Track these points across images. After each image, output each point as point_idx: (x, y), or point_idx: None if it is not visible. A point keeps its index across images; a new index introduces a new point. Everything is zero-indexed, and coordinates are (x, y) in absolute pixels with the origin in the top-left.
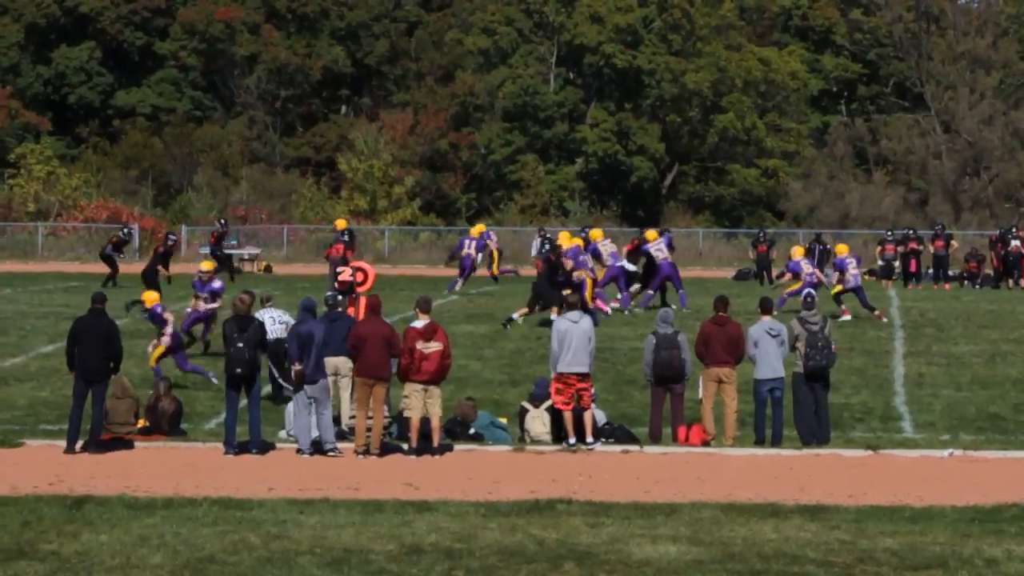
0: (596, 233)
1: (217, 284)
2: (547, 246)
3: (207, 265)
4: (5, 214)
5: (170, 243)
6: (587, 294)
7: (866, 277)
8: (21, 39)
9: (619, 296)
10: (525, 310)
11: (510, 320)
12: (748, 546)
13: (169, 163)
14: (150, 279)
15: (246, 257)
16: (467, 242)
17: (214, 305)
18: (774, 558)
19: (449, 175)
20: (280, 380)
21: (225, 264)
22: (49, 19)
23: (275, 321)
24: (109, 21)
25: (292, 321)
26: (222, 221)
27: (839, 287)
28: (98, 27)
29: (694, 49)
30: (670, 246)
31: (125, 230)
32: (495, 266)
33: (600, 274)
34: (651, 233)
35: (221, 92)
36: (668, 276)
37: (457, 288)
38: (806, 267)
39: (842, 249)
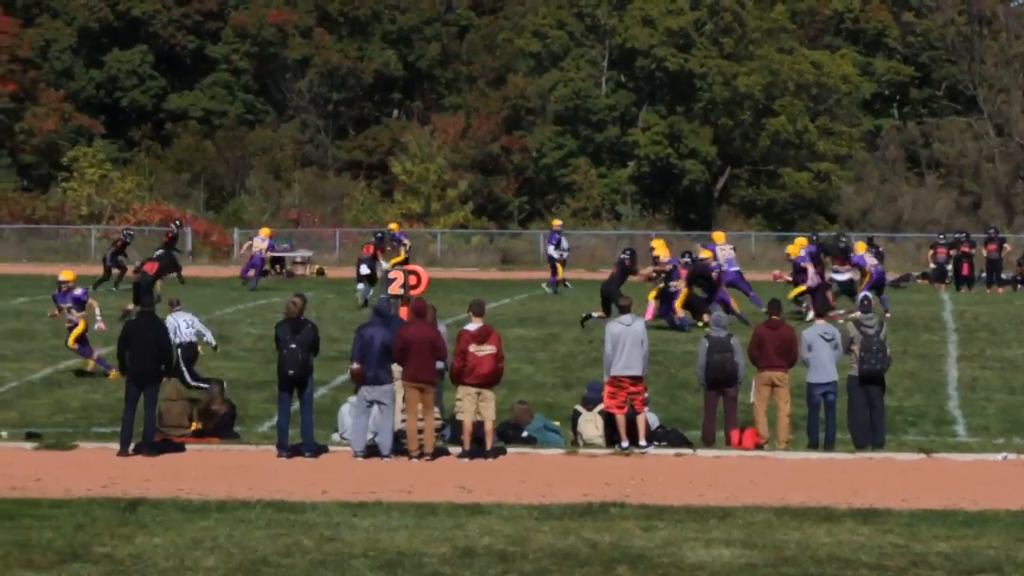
0: (719, 236)
1: (79, 291)
2: (627, 252)
3: (66, 275)
4: (58, 217)
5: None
6: (677, 303)
7: (920, 281)
8: (74, 43)
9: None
10: (603, 312)
11: (588, 316)
12: (801, 550)
13: (221, 166)
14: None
15: (298, 260)
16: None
17: (81, 314)
18: (827, 562)
19: (501, 178)
20: (190, 382)
21: (174, 267)
22: (102, 23)
23: (188, 325)
24: (161, 24)
25: (203, 327)
26: (176, 222)
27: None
28: (150, 31)
29: (746, 52)
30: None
31: (127, 233)
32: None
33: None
34: (719, 235)
35: (273, 95)
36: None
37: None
38: (870, 259)
39: (860, 247)
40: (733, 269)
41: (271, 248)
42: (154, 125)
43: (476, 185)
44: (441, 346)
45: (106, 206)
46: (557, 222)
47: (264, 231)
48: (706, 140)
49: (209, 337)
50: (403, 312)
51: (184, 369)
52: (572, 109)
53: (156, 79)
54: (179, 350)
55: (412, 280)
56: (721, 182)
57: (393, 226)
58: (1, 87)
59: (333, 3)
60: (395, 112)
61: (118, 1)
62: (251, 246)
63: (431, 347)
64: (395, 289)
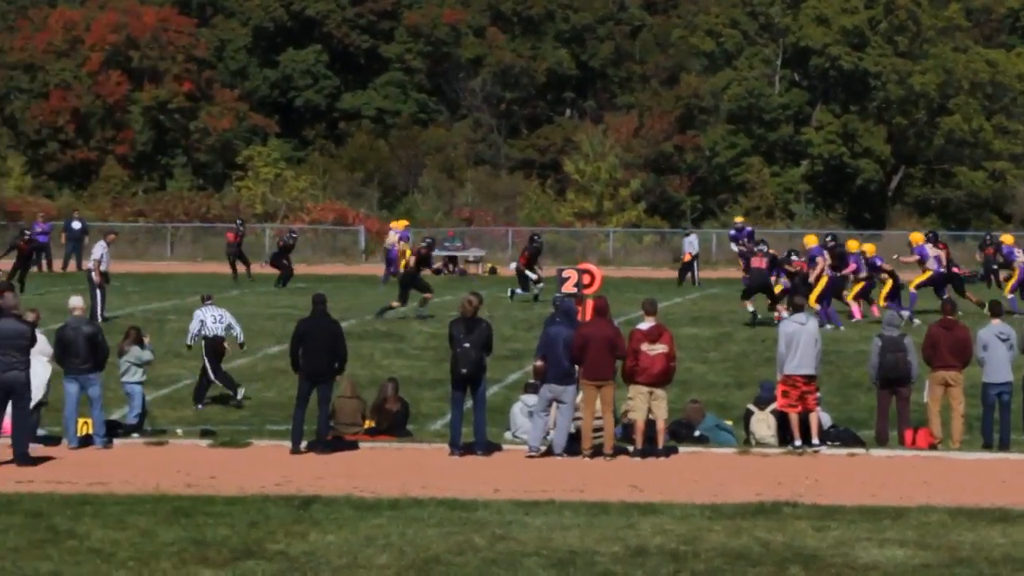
0: (916, 237)
1: None
2: (763, 246)
3: None
4: (233, 216)
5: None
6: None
7: None
8: (249, 42)
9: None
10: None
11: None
12: (976, 551)
13: (394, 165)
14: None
15: (471, 259)
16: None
17: None
18: (1002, 563)
19: (674, 177)
20: (213, 378)
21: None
22: (276, 22)
23: (216, 320)
24: (335, 24)
25: (233, 322)
26: (238, 221)
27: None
28: (324, 30)
29: (920, 51)
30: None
31: (292, 235)
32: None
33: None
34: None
35: (446, 95)
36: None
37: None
38: (1020, 256)
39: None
40: (940, 269)
41: (404, 239)
42: (328, 124)
43: (648, 184)
44: (620, 345)
45: (280, 205)
46: (740, 219)
47: (398, 224)
48: (880, 139)
49: (239, 332)
50: (579, 311)
51: (207, 364)
52: (745, 108)
53: (330, 78)
54: (204, 344)
55: (586, 279)
56: (895, 181)
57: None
58: (177, 87)
59: (506, 2)
60: (568, 111)
61: (292, 1)
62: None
63: (610, 345)
64: (568, 288)
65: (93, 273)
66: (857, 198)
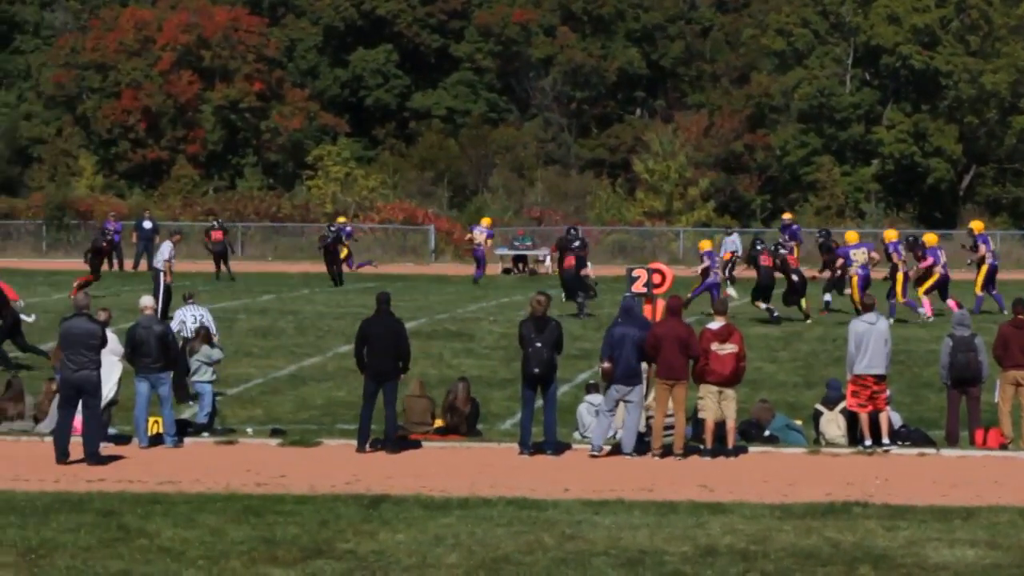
0: (978, 224)
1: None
2: (770, 245)
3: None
4: (303, 215)
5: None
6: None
7: None
8: (319, 42)
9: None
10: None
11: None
12: None
13: (465, 164)
14: None
15: (540, 259)
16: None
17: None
18: None
19: (744, 177)
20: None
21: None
22: (347, 22)
23: (195, 320)
24: (405, 23)
25: (211, 323)
26: (329, 225)
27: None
28: (395, 30)
29: (992, 50)
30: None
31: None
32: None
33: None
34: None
35: (517, 94)
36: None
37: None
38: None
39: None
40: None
41: (490, 237)
42: (398, 124)
43: (719, 183)
44: (693, 344)
45: (350, 204)
46: (788, 215)
47: (484, 221)
48: (951, 138)
49: (215, 330)
50: (646, 310)
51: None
52: (816, 107)
53: (400, 78)
54: (182, 342)
55: (656, 279)
56: (966, 180)
57: (341, 219)
58: (248, 86)
59: (577, 2)
60: (638, 110)
61: (363, 0)
62: (472, 238)
63: (683, 345)
64: (638, 287)
65: (164, 273)
66: (928, 197)
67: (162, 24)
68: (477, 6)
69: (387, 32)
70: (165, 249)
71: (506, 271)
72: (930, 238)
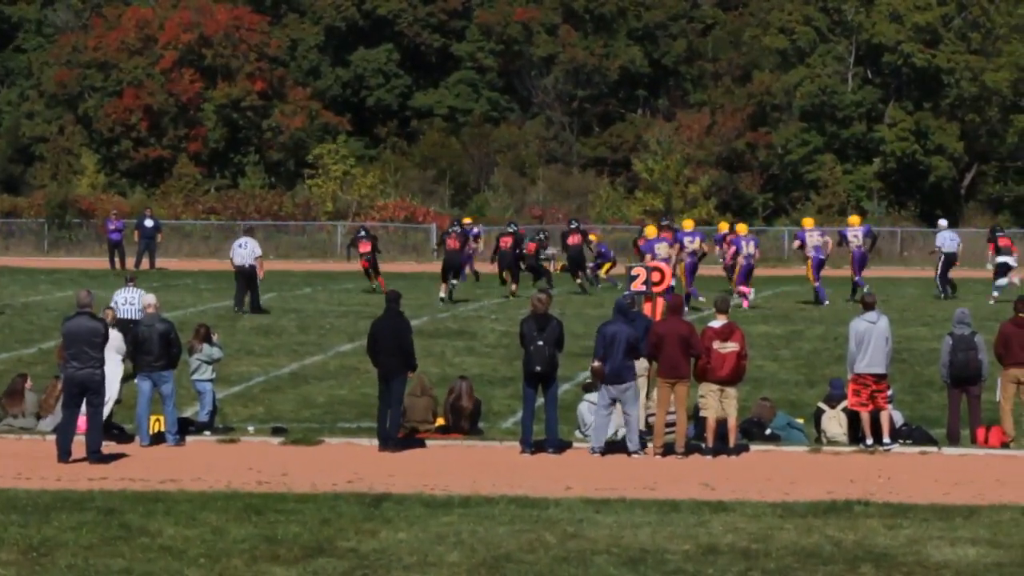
0: (808, 221)
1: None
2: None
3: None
4: (304, 214)
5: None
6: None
7: None
8: (320, 41)
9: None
10: None
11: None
12: None
13: (466, 163)
14: None
15: (542, 257)
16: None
17: None
18: None
19: (746, 175)
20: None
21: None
22: (348, 22)
23: (126, 302)
24: (407, 23)
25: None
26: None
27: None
28: (396, 29)
29: (993, 48)
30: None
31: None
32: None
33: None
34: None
35: (518, 92)
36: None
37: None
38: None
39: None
40: (819, 257)
41: (476, 237)
42: (400, 123)
43: (720, 182)
44: (695, 342)
45: (351, 202)
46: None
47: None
48: (953, 136)
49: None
50: (646, 308)
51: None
52: (818, 105)
53: (401, 77)
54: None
55: (656, 277)
56: (968, 179)
57: (467, 220)
58: (249, 85)
59: (578, 0)
60: (640, 109)
61: (364, 0)
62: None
63: (685, 343)
64: (637, 286)
65: (258, 268)
66: (930, 195)
67: (164, 23)
68: (478, 5)
69: (388, 32)
70: (256, 247)
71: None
72: (730, 227)
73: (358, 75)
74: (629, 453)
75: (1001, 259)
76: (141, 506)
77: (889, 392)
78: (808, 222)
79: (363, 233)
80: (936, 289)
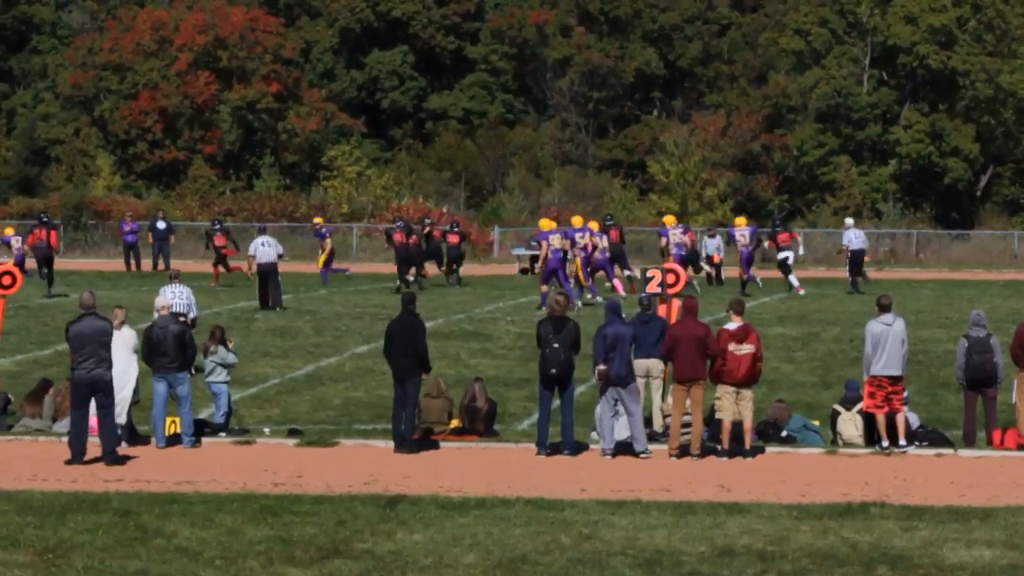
0: (670, 219)
1: None
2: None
3: None
4: (320, 215)
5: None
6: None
7: None
8: (335, 44)
9: None
10: None
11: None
12: None
13: (482, 165)
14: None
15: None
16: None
17: None
18: None
19: (761, 177)
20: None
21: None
22: (363, 24)
23: (174, 296)
24: (421, 26)
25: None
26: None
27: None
28: (410, 32)
29: (1009, 50)
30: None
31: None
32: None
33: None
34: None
35: (534, 94)
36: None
37: None
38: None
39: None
40: (681, 253)
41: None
42: (415, 125)
43: (736, 184)
44: (711, 343)
45: (366, 204)
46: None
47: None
48: (968, 138)
49: (195, 312)
50: (661, 310)
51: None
52: (833, 107)
53: (416, 80)
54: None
55: (670, 279)
56: (984, 180)
57: (318, 220)
58: (265, 87)
59: (593, 2)
60: (655, 111)
61: (379, 2)
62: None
63: (700, 345)
64: (652, 287)
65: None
66: (945, 197)
67: (179, 25)
68: (492, 8)
69: (403, 34)
70: (278, 245)
71: (523, 271)
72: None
73: (373, 77)
74: (636, 454)
75: (782, 255)
76: (157, 508)
77: (905, 394)
78: (670, 220)
79: (218, 226)
80: (848, 286)
